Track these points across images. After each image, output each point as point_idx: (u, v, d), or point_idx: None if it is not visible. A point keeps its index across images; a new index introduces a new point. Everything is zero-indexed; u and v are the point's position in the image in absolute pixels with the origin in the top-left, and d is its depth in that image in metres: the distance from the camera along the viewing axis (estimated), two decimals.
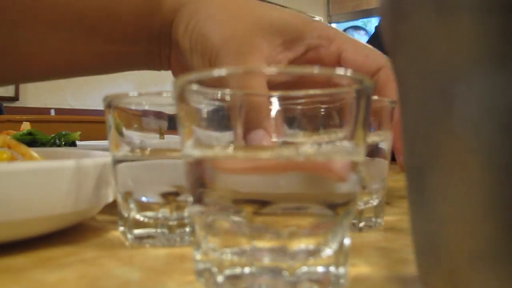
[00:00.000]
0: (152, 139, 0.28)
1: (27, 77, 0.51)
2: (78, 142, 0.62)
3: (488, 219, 0.14)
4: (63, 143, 0.58)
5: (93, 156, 0.34)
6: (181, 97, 0.20)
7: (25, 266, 0.23)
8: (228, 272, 0.19)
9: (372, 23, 4.44)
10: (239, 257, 0.19)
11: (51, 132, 0.60)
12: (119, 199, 0.28)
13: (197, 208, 0.20)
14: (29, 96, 2.94)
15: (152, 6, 0.41)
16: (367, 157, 0.31)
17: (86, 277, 0.21)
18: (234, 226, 0.19)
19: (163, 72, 0.47)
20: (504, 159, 0.14)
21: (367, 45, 0.38)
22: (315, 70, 0.20)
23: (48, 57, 0.44)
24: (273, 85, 0.26)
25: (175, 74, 0.44)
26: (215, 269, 0.19)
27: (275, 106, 0.21)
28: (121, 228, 0.28)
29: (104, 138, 0.30)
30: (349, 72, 0.19)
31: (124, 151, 0.27)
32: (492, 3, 0.13)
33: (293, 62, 0.37)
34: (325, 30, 0.38)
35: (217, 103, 0.20)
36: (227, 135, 0.21)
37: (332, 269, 0.19)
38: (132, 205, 0.27)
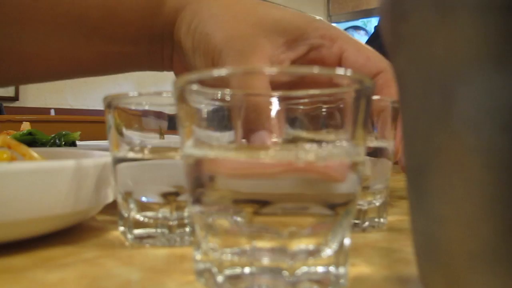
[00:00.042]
0: (152, 139, 0.28)
1: (29, 78, 0.51)
2: (78, 142, 0.62)
3: (488, 219, 0.14)
4: (63, 143, 0.58)
5: (93, 156, 0.34)
6: (181, 97, 0.20)
7: (25, 266, 0.23)
8: (228, 272, 0.19)
9: (372, 23, 4.44)
10: (239, 257, 0.19)
11: (51, 132, 0.60)
12: (119, 199, 0.28)
13: (197, 208, 0.20)
14: (29, 96, 2.94)
15: (154, 6, 0.40)
16: (371, 158, 0.31)
17: (86, 277, 0.21)
18: (234, 226, 0.19)
19: (163, 72, 0.47)
20: (504, 159, 0.14)
21: (369, 47, 0.38)
22: (315, 70, 0.20)
23: (50, 57, 0.44)
24: (275, 85, 0.26)
25: (177, 75, 0.44)
26: (215, 269, 0.19)
27: (276, 106, 0.21)
28: (121, 228, 0.28)
29: (104, 138, 0.30)
30: (349, 72, 0.19)
31: (124, 151, 0.27)
32: (492, 3, 0.13)
33: (295, 62, 0.37)
34: (327, 30, 0.37)
35: (218, 103, 0.20)
36: (227, 135, 0.21)
37: (332, 269, 0.19)
38: (132, 205, 0.27)
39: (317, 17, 0.39)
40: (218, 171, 0.19)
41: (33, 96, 2.95)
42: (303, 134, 0.21)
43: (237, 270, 0.19)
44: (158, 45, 0.42)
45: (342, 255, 0.20)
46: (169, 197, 0.27)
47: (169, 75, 0.43)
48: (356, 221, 0.31)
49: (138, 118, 0.28)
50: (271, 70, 0.22)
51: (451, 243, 0.16)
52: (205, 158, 0.20)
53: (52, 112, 2.40)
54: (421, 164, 0.17)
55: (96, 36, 0.42)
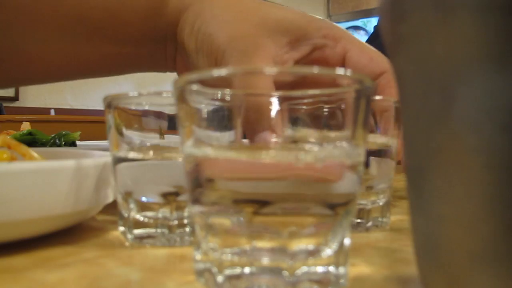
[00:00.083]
0: (152, 139, 0.28)
1: (30, 79, 0.51)
2: (78, 142, 0.62)
3: (488, 219, 0.14)
4: (63, 143, 0.58)
5: (93, 156, 0.34)
6: (181, 97, 0.20)
7: (25, 266, 0.23)
8: (228, 272, 0.19)
9: (372, 23, 4.44)
10: (239, 257, 0.19)
11: (51, 132, 0.60)
12: (119, 199, 0.28)
13: (197, 208, 0.20)
14: (29, 96, 2.94)
15: (156, 8, 0.40)
16: (375, 158, 0.31)
17: (86, 277, 0.21)
18: (234, 226, 0.19)
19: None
20: (504, 159, 0.14)
21: (373, 48, 0.38)
22: (315, 70, 0.20)
23: (51, 58, 0.44)
24: (277, 85, 0.26)
25: (180, 75, 0.44)
26: (215, 269, 0.19)
27: (278, 106, 0.21)
28: (121, 228, 0.28)
29: (104, 138, 0.30)
30: (349, 72, 0.19)
31: (124, 151, 0.27)
32: (492, 3, 0.13)
33: (299, 61, 0.37)
34: (331, 29, 0.37)
35: (218, 103, 0.20)
36: (227, 135, 0.21)
37: (332, 269, 0.19)
38: (132, 205, 0.27)
39: (319, 17, 0.39)
40: (214, 173, 0.19)
41: (33, 96, 2.95)
42: (304, 134, 0.21)
43: (237, 270, 0.19)
44: (161, 46, 0.42)
45: (342, 255, 0.20)
46: (169, 197, 0.27)
47: (169, 75, 0.43)
48: (360, 221, 0.31)
49: (138, 118, 0.28)
50: (270, 70, 0.22)
51: (451, 243, 0.16)
52: (205, 158, 0.20)
53: (52, 112, 2.40)
54: (421, 164, 0.17)
55: (98, 37, 0.42)
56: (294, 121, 0.21)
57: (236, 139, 0.21)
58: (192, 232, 0.20)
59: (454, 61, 0.15)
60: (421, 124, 0.16)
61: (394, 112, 0.31)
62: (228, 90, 0.19)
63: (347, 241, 0.20)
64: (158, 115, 0.29)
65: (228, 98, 0.20)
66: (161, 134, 0.29)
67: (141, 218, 0.27)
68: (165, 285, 0.20)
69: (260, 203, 0.18)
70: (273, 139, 0.24)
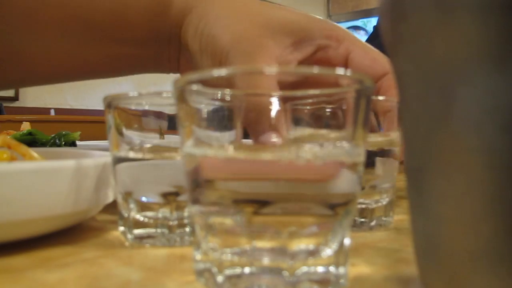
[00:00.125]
0: (152, 139, 0.28)
1: (35, 80, 0.51)
2: (78, 142, 0.62)
3: (488, 219, 0.14)
4: (63, 143, 0.58)
5: (93, 156, 0.34)
6: (181, 97, 0.20)
7: (25, 266, 0.23)
8: (228, 272, 0.19)
9: (372, 23, 4.44)
10: (239, 257, 0.19)
11: (51, 132, 0.60)
12: (119, 199, 0.28)
13: (197, 208, 0.20)
14: (29, 96, 2.94)
15: (160, 10, 0.41)
16: (380, 158, 0.31)
17: (86, 277, 0.21)
18: (234, 226, 0.19)
19: None
20: (504, 159, 0.14)
21: (375, 49, 0.38)
22: (315, 70, 0.20)
23: (57, 60, 0.44)
24: (280, 86, 0.27)
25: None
26: (215, 269, 0.19)
27: (281, 107, 0.21)
28: (121, 228, 0.28)
29: (104, 138, 0.30)
30: (349, 72, 0.19)
31: (124, 151, 0.27)
32: (492, 3, 0.13)
33: (302, 62, 0.37)
34: (334, 30, 0.38)
35: (219, 103, 0.20)
36: (227, 135, 0.21)
37: (332, 269, 0.19)
38: (132, 205, 0.27)
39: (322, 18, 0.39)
40: (212, 175, 0.19)
41: (33, 96, 2.95)
42: (304, 134, 0.21)
43: (237, 270, 0.19)
44: (165, 48, 0.42)
45: (342, 255, 0.20)
46: (169, 197, 0.27)
47: (169, 75, 0.43)
48: (364, 220, 0.31)
49: (138, 118, 0.28)
50: (269, 70, 0.22)
51: (451, 243, 0.16)
52: (205, 158, 0.20)
53: (52, 112, 2.40)
54: (421, 164, 0.17)
55: (103, 38, 0.42)
56: (295, 121, 0.21)
57: (236, 139, 0.21)
58: (192, 232, 0.20)
59: (454, 61, 0.15)
60: (421, 124, 0.16)
61: (398, 112, 0.31)
62: (228, 90, 0.19)
63: (347, 241, 0.20)
64: (158, 115, 0.29)
65: (228, 98, 0.20)
66: (161, 134, 0.29)
67: (141, 218, 0.27)
68: (165, 285, 0.20)
69: (260, 203, 0.18)
70: (278, 139, 0.24)
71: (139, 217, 0.27)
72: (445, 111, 0.15)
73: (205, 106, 0.20)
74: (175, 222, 0.27)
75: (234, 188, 0.19)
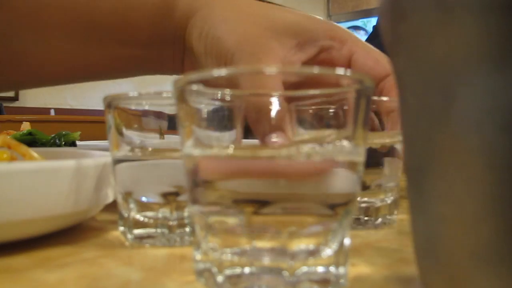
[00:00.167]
0: (152, 139, 0.28)
1: (38, 82, 0.51)
2: (78, 142, 0.62)
3: (489, 219, 0.14)
4: (63, 143, 0.58)
5: (93, 156, 0.34)
6: (181, 97, 0.20)
7: (25, 266, 0.23)
8: (228, 272, 0.19)
9: (372, 23, 4.44)
10: (239, 257, 0.19)
11: (51, 132, 0.60)
12: (119, 199, 0.28)
13: (197, 208, 0.20)
14: (29, 96, 2.94)
15: (165, 12, 0.41)
16: (385, 157, 0.32)
17: (86, 277, 0.21)
18: (234, 226, 0.19)
19: None
20: (504, 159, 0.14)
21: (378, 50, 0.39)
22: (315, 70, 0.20)
23: (61, 62, 0.44)
24: (283, 86, 0.27)
25: None
26: (215, 269, 0.19)
27: (285, 107, 0.21)
28: (121, 228, 0.28)
29: (104, 138, 0.30)
30: (349, 72, 0.19)
31: (124, 151, 0.27)
32: (492, 3, 0.13)
33: (305, 63, 0.37)
34: (337, 31, 0.38)
35: (219, 103, 0.20)
36: (227, 135, 0.21)
37: (332, 269, 0.19)
38: (132, 205, 0.27)
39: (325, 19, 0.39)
40: (211, 176, 0.19)
41: (33, 96, 2.95)
42: (304, 134, 0.21)
43: (237, 270, 0.19)
44: (169, 49, 0.43)
45: (342, 255, 0.20)
46: (169, 197, 0.27)
47: (169, 76, 0.43)
48: (368, 218, 0.32)
49: (138, 118, 0.28)
50: (269, 70, 0.22)
51: (451, 242, 0.16)
52: (204, 158, 0.20)
53: (52, 112, 2.40)
54: (421, 164, 0.17)
55: (108, 40, 0.42)
56: (298, 121, 0.21)
57: (236, 139, 0.21)
58: (192, 232, 0.20)
59: (454, 61, 0.15)
60: (421, 124, 0.16)
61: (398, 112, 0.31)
62: (228, 90, 0.19)
63: (347, 241, 0.20)
64: (158, 115, 0.29)
65: (228, 98, 0.20)
66: (161, 134, 0.29)
67: (141, 218, 0.27)
68: (165, 285, 0.20)
69: (260, 203, 0.18)
70: (284, 139, 0.24)
71: (139, 217, 0.27)
72: (445, 111, 0.15)
73: (205, 106, 0.20)
74: (175, 222, 0.27)
75: (234, 188, 0.19)
